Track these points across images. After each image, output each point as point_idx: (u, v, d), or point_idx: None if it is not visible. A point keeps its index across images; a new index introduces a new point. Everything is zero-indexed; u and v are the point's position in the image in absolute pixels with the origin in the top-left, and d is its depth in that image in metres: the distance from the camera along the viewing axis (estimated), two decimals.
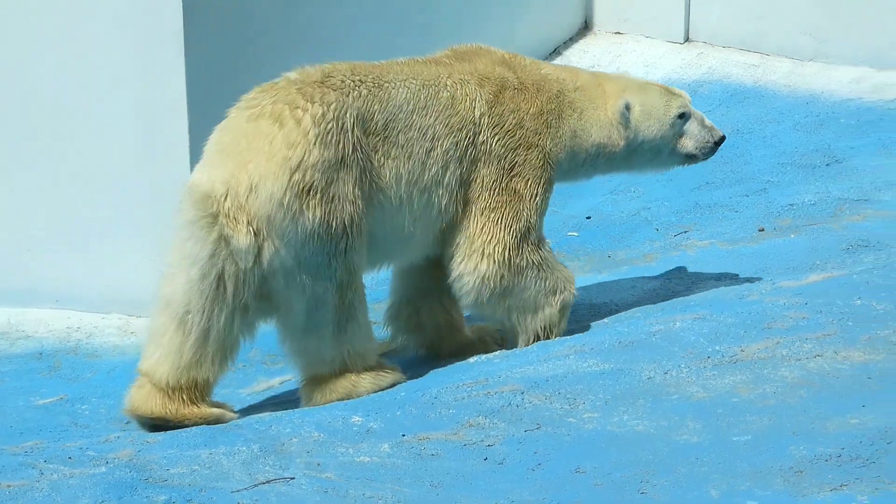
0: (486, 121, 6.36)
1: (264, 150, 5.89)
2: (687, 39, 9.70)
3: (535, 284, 6.44)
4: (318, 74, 6.08)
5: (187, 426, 5.95)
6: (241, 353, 6.24)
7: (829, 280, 6.47)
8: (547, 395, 5.52)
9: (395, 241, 6.29)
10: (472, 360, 6.32)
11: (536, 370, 5.80)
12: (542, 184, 6.46)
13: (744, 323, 5.99)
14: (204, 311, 5.96)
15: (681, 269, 7.12)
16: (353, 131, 6.01)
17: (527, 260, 6.41)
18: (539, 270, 6.44)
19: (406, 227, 6.23)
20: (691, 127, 6.76)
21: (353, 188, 5.99)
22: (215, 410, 6.09)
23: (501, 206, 6.36)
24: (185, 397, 6.07)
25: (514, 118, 6.43)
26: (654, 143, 6.73)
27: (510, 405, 5.46)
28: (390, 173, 6.15)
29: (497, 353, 6.35)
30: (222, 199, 5.87)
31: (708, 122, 6.79)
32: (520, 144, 6.42)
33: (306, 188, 5.89)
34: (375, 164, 6.10)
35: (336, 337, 6.09)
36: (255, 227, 5.88)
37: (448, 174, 6.28)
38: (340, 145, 5.96)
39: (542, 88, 6.55)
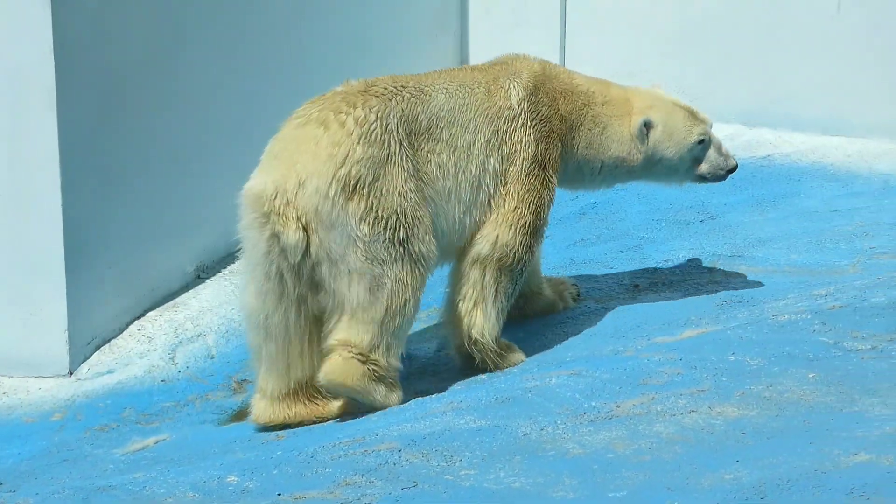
0: (524, 106, 6.80)
1: (311, 151, 6.28)
2: None
3: (513, 286, 6.80)
4: (362, 85, 6.52)
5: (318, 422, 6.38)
6: (115, 413, 6.23)
7: (704, 336, 6.58)
8: (424, 452, 5.54)
9: (454, 233, 6.66)
10: (348, 417, 6.34)
11: (413, 427, 5.82)
12: (555, 181, 6.88)
13: (619, 379, 6.06)
14: (277, 311, 6.31)
15: (556, 325, 7.19)
16: (397, 131, 6.40)
17: (531, 252, 6.82)
18: (524, 275, 6.87)
19: (459, 218, 6.65)
20: (709, 153, 7.18)
21: (405, 183, 6.38)
22: (335, 404, 6.49)
23: (531, 190, 6.76)
24: (303, 399, 6.49)
25: (547, 111, 6.86)
26: (670, 162, 7.16)
27: (387, 463, 5.47)
28: (437, 168, 6.56)
29: (377, 412, 6.35)
30: (272, 197, 6.23)
31: (725, 149, 7.25)
32: (547, 136, 6.83)
33: (352, 182, 6.26)
34: (422, 161, 6.50)
35: (386, 320, 6.36)
36: (303, 222, 6.23)
37: (493, 160, 6.71)
38: (385, 143, 6.36)
39: (568, 98, 6.96)
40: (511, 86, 6.82)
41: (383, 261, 6.32)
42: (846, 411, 5.56)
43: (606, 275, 7.70)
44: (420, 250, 6.40)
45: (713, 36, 9.40)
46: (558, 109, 6.90)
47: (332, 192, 6.24)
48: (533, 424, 5.70)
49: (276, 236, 6.24)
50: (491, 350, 6.72)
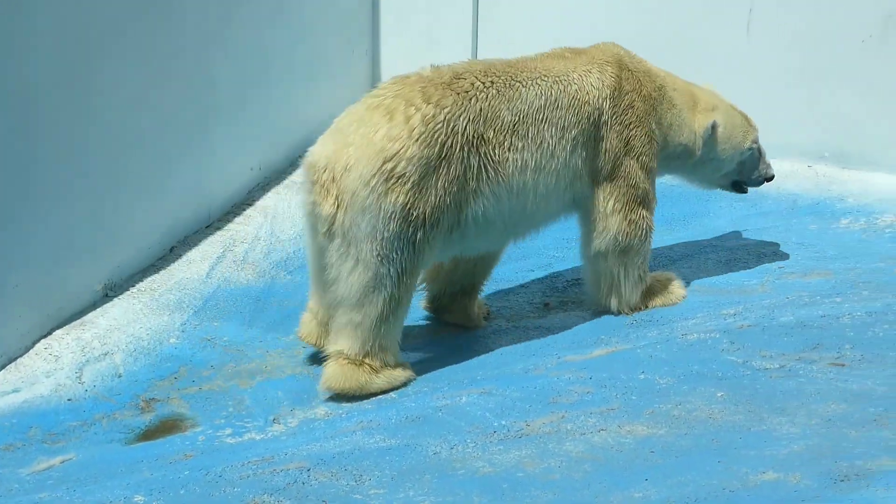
0: (608, 103, 7.00)
1: (368, 137, 6.48)
2: None
3: (640, 257, 7.21)
4: (449, 75, 6.69)
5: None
6: (20, 432, 6.18)
7: (614, 354, 6.62)
8: (333, 471, 5.53)
9: (517, 221, 6.88)
10: (257, 437, 6.31)
11: (323, 447, 5.81)
12: (651, 157, 7.16)
13: (529, 397, 6.09)
14: (311, 250, 6.73)
15: (468, 344, 7.19)
16: (463, 133, 6.57)
17: (646, 224, 7.19)
18: (649, 242, 7.25)
19: (528, 208, 6.84)
20: (754, 161, 7.57)
21: (449, 185, 6.55)
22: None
23: (622, 176, 7.05)
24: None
25: (629, 98, 7.08)
26: (721, 163, 7.52)
27: (296, 482, 5.46)
28: (515, 165, 6.73)
29: (285, 429, 6.33)
30: (322, 170, 6.51)
31: (767, 159, 7.64)
32: (632, 122, 7.07)
33: (396, 176, 6.44)
34: (496, 157, 6.66)
35: (378, 324, 6.57)
36: (339, 199, 6.49)
37: (574, 156, 6.91)
38: (446, 146, 6.53)
39: (649, 77, 7.23)
40: (596, 76, 7.01)
41: (393, 260, 6.50)
42: (754, 430, 5.62)
43: (517, 294, 7.71)
44: (426, 252, 6.60)
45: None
46: (640, 91, 7.14)
47: (373, 182, 6.44)
48: (443, 443, 5.71)
49: (315, 203, 6.54)
50: (631, 312, 7.24)
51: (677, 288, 7.39)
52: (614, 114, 7.03)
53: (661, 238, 8.33)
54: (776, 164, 8.36)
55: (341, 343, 6.60)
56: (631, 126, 7.07)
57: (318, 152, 6.60)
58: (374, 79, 9.97)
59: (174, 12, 7.78)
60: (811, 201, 8.63)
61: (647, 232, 7.21)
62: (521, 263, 7.89)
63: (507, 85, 6.76)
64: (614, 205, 7.08)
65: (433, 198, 6.52)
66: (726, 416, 5.76)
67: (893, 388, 5.91)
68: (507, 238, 7.06)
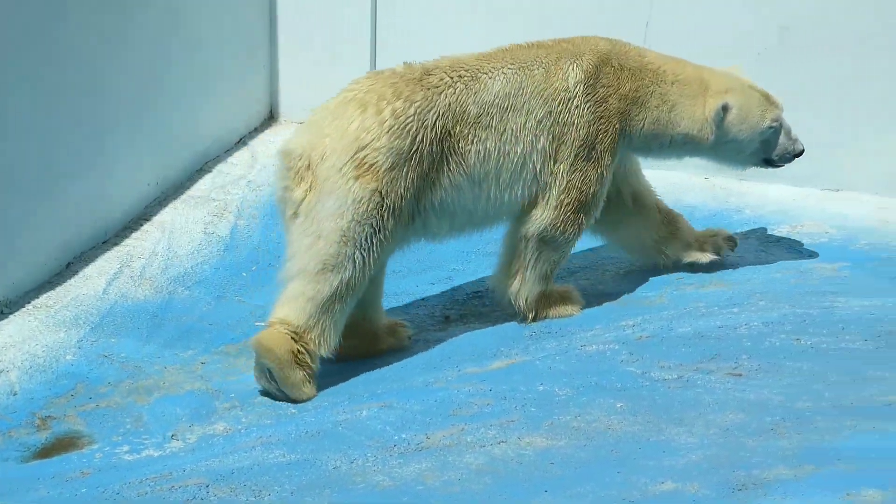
0: (581, 88, 7.14)
1: (342, 129, 6.78)
2: None
3: (557, 254, 7.29)
4: (419, 72, 6.96)
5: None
6: None
7: (513, 366, 6.65)
8: (232, 487, 5.50)
9: (488, 209, 7.11)
10: (155, 453, 6.26)
11: (222, 462, 5.77)
12: (612, 157, 7.24)
13: (430, 410, 6.09)
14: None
15: (368, 358, 7.18)
16: (433, 127, 6.84)
17: (578, 226, 7.26)
18: (571, 245, 7.33)
19: (494, 196, 7.09)
20: (779, 138, 7.51)
21: (420, 175, 6.83)
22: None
23: (580, 170, 7.14)
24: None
25: (605, 92, 7.18)
26: (741, 144, 7.49)
27: (194, 499, 5.42)
28: (479, 154, 6.97)
29: (183, 445, 6.29)
30: (297, 159, 6.81)
31: (794, 134, 7.55)
32: (602, 117, 7.16)
33: (367, 164, 6.73)
34: (463, 149, 6.93)
35: (329, 299, 6.74)
36: (311, 185, 6.78)
37: (542, 139, 7.09)
38: (417, 139, 6.80)
39: (636, 76, 7.27)
40: (570, 67, 7.15)
41: (359, 245, 6.75)
42: (653, 440, 5.65)
43: (418, 307, 7.72)
44: (389, 239, 6.82)
45: None
46: (618, 88, 7.21)
47: (345, 169, 6.73)
48: (343, 458, 5.70)
49: (288, 188, 6.81)
50: (527, 310, 7.30)
51: (576, 299, 7.43)
52: (586, 105, 7.14)
53: None
54: (677, 178, 8.46)
55: (286, 311, 6.75)
56: (601, 121, 7.17)
57: (294, 142, 6.89)
58: (273, 93, 9.95)
59: (70, 24, 7.70)
60: (708, 213, 8.70)
61: (574, 235, 7.27)
62: (421, 276, 7.90)
63: (474, 78, 6.99)
64: (559, 198, 7.15)
65: (403, 186, 6.79)
66: (625, 426, 5.79)
67: (790, 397, 5.97)
68: (470, 226, 7.22)
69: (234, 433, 6.30)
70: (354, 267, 6.74)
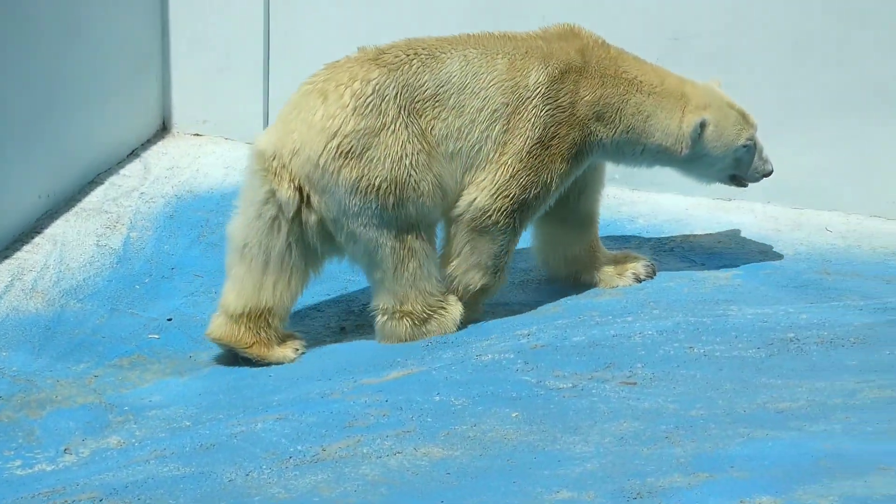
0: (541, 90, 7.17)
1: (307, 121, 6.94)
2: None
3: (495, 246, 7.28)
4: (374, 52, 7.11)
5: (256, 357, 7.20)
6: None
7: (409, 377, 6.64)
8: (126, 501, 5.45)
9: (456, 191, 7.18)
10: (48, 468, 6.19)
11: (116, 476, 5.72)
12: (569, 164, 7.27)
13: (326, 422, 6.07)
14: (259, 245, 7.07)
15: (263, 370, 7.16)
16: (395, 99, 6.95)
17: (514, 220, 7.25)
18: (507, 238, 7.29)
19: (460, 178, 7.16)
20: (751, 157, 7.55)
21: (400, 148, 6.95)
22: (278, 352, 7.23)
23: (527, 168, 7.16)
24: (249, 325, 7.15)
25: (569, 98, 7.22)
26: (713, 160, 7.51)
27: None
28: (441, 132, 7.05)
29: (76, 459, 6.22)
30: (271, 158, 6.97)
31: (765, 154, 7.61)
32: (564, 122, 7.19)
33: (343, 152, 6.89)
34: (427, 124, 7.03)
35: (396, 275, 7.07)
36: (296, 183, 6.96)
37: (496, 127, 7.13)
38: (380, 113, 6.92)
39: (607, 83, 7.31)
40: (534, 68, 7.19)
41: (376, 225, 6.96)
42: (548, 449, 5.67)
43: (313, 318, 7.71)
44: (412, 213, 7.00)
45: None
46: (585, 96, 7.23)
47: (322, 161, 6.90)
48: (238, 470, 5.66)
49: (272, 191, 6.98)
50: (463, 297, 7.34)
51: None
52: (545, 107, 7.17)
53: None
54: None
55: (379, 299, 7.21)
56: (559, 126, 7.21)
57: (264, 141, 7.05)
58: (165, 104, 9.87)
59: None
60: (603, 223, 8.65)
61: (508, 229, 7.26)
62: (316, 288, 7.87)
63: (431, 56, 7.10)
64: (496, 186, 7.17)
65: (389, 163, 6.94)
66: (521, 436, 5.80)
67: (684, 405, 6.02)
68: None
69: (128, 446, 6.24)
70: (390, 244, 7.05)
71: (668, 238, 8.58)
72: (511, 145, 7.15)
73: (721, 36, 8.88)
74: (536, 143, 7.16)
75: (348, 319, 7.68)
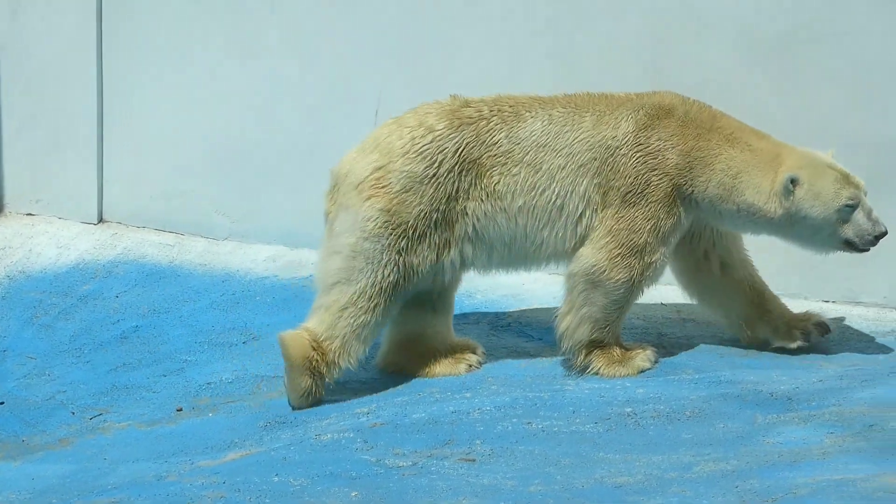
0: (630, 138, 7.29)
1: (366, 150, 7.35)
2: (101, 220, 9.69)
3: (608, 300, 7.33)
4: (459, 103, 7.42)
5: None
6: None
7: (247, 458, 6.58)
8: None
9: (526, 243, 7.40)
10: None
11: None
12: (665, 212, 7.30)
13: None
14: None
15: (98, 453, 7.07)
16: (454, 155, 7.26)
17: (629, 272, 7.28)
18: (622, 293, 7.33)
19: (531, 233, 7.36)
20: (857, 216, 7.32)
21: (435, 203, 7.26)
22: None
23: (626, 218, 7.26)
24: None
25: (660, 145, 7.31)
26: (814, 221, 7.33)
27: None
28: (508, 187, 7.29)
29: None
30: (334, 178, 7.45)
31: (875, 214, 7.35)
32: (654, 169, 7.28)
33: (381, 185, 7.22)
34: (491, 182, 7.29)
35: (343, 309, 7.26)
36: (335, 201, 7.37)
37: (583, 183, 7.30)
38: (432, 164, 7.24)
39: (702, 136, 7.36)
40: (623, 118, 7.34)
41: (369, 259, 7.24)
42: None
43: (149, 400, 7.63)
44: (413, 263, 7.28)
45: (253, 160, 9.52)
46: (676, 144, 7.30)
47: (361, 186, 7.25)
48: None
49: (328, 208, 7.45)
50: (572, 352, 7.43)
51: (636, 364, 7.47)
52: (635, 154, 7.28)
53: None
54: None
55: (312, 320, 7.33)
56: (652, 172, 7.28)
57: (338, 164, 7.46)
58: None
59: None
60: None
61: (624, 283, 7.30)
62: (152, 368, 7.84)
63: (514, 114, 7.36)
64: (604, 240, 7.27)
65: (417, 210, 7.23)
66: None
67: (522, 481, 6.02)
68: (516, 262, 7.54)
69: None
70: (367, 281, 7.23)
71: (505, 313, 8.62)
72: (608, 198, 7.29)
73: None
74: (630, 192, 7.28)
75: (184, 400, 7.62)
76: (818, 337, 7.74)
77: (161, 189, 9.67)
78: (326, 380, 7.28)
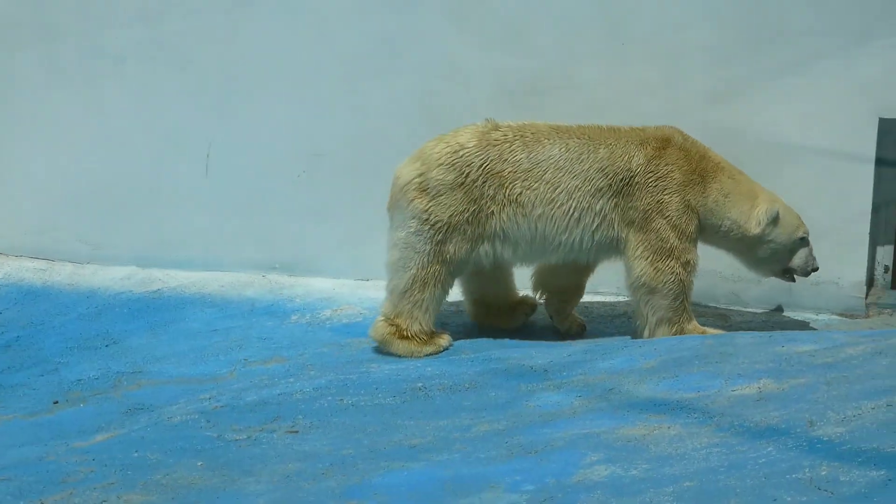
0: (642, 168, 7.41)
1: (415, 160, 7.56)
2: None
3: (667, 300, 7.46)
4: (491, 126, 7.60)
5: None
6: None
7: (113, 438, 6.53)
8: None
9: (538, 246, 7.54)
10: None
11: None
12: (682, 219, 7.47)
13: (42, 479, 5.89)
14: None
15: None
16: (480, 168, 7.47)
17: (670, 271, 7.42)
18: (675, 287, 7.45)
19: (550, 236, 7.48)
20: (804, 250, 7.64)
21: (464, 205, 7.46)
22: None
23: (653, 230, 7.42)
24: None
25: (668, 169, 7.44)
26: (777, 245, 7.58)
27: None
28: (530, 199, 7.44)
29: None
30: (392, 182, 7.62)
31: (813, 254, 7.65)
32: (667, 189, 7.42)
33: (422, 189, 7.48)
34: (513, 192, 7.46)
35: (403, 292, 7.53)
36: (393, 202, 7.59)
37: (601, 203, 7.44)
38: (461, 174, 7.47)
39: (700, 161, 7.52)
40: (635, 152, 7.45)
41: (417, 250, 7.47)
42: (229, 490, 5.63)
43: (28, 397, 7.52)
44: (451, 252, 7.49)
45: (108, 197, 9.49)
46: (682, 166, 7.45)
47: (406, 189, 7.50)
48: None
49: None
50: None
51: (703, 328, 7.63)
52: (648, 180, 7.40)
53: (148, 341, 8.34)
54: (238, 276, 8.63)
55: (384, 304, 7.64)
56: (665, 192, 7.41)
57: (397, 170, 7.63)
58: None
59: None
60: (267, 303, 8.85)
61: (674, 281, 7.43)
62: (32, 370, 7.71)
63: (535, 140, 7.48)
64: (641, 252, 7.42)
65: (450, 210, 7.44)
66: (205, 480, 5.75)
67: (337, 447, 6.07)
68: (539, 256, 7.65)
69: None
70: (417, 267, 7.46)
71: (320, 313, 8.70)
72: (629, 215, 7.44)
73: (352, 153, 9.08)
74: (650, 210, 7.41)
75: (60, 394, 7.53)
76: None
77: (34, 224, 9.56)
78: (417, 342, 7.58)
